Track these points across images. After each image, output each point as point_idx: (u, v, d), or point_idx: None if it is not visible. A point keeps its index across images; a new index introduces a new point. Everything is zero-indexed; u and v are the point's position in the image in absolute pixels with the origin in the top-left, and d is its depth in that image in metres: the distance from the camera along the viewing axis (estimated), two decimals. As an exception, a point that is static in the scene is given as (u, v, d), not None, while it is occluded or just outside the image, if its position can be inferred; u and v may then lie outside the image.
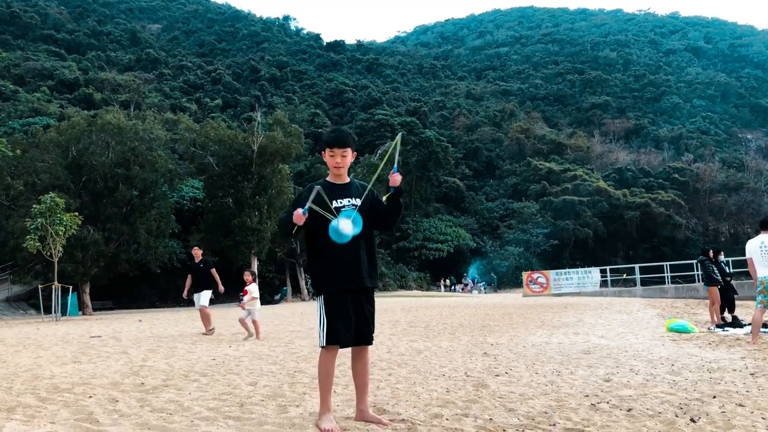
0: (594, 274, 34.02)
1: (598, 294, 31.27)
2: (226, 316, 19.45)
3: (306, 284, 40.66)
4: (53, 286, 22.90)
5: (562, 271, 36.73)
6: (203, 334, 13.01)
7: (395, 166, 4.27)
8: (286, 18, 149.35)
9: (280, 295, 37.96)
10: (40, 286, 25.43)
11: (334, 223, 4.06)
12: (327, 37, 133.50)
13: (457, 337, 11.05)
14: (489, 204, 73.78)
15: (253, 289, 12.64)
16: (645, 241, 63.67)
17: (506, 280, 55.89)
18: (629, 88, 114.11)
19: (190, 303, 37.65)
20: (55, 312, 22.54)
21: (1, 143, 38.03)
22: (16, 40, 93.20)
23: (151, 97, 77.00)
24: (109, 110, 38.12)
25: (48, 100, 67.90)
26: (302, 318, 17.70)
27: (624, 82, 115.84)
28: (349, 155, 4.30)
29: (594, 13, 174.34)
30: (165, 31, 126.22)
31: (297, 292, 40.72)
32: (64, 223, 23.35)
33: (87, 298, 30.42)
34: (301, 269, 39.99)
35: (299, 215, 3.98)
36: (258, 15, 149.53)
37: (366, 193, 4.33)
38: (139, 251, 32.15)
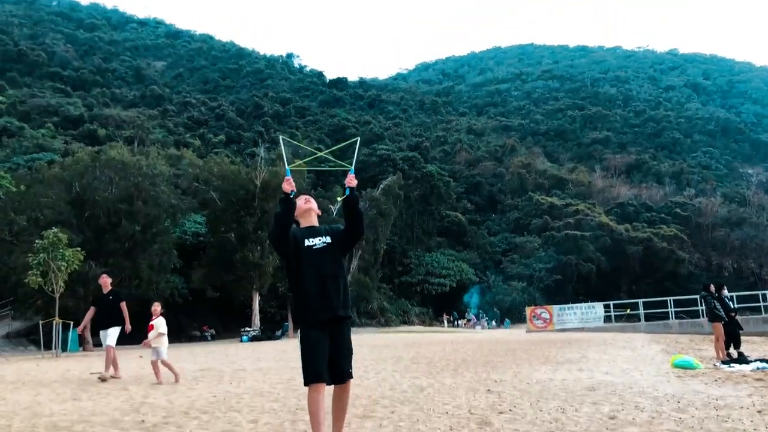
0: (597, 309, 33.80)
1: (601, 329, 31.03)
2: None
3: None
4: (54, 322, 22.80)
5: (566, 306, 36.50)
6: (99, 378, 11.10)
7: (351, 168, 4.66)
8: (290, 55, 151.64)
9: (281, 330, 37.70)
10: (40, 322, 25.30)
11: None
12: (330, 74, 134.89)
13: (461, 374, 10.94)
14: (491, 238, 73.68)
15: (159, 324, 10.98)
16: (648, 275, 63.36)
17: (510, 314, 55.51)
18: (630, 123, 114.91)
19: (192, 339, 37.27)
20: (55, 348, 22.41)
21: (5, 179, 38.33)
22: (23, 77, 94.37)
23: (155, 133, 77.62)
24: (114, 146, 38.50)
25: (53, 136, 68.48)
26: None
27: (624, 118, 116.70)
28: (313, 204, 4.83)
29: (593, 49, 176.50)
30: (170, 68, 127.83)
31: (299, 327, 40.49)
32: (67, 258, 23.35)
33: (87, 334, 30.17)
34: (303, 304, 39.84)
35: (287, 180, 4.44)
36: (262, 52, 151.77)
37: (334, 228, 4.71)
38: (140, 286, 32.08)
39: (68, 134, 71.41)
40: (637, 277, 64.19)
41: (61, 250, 23.26)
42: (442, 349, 17.96)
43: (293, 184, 4.49)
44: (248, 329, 34.55)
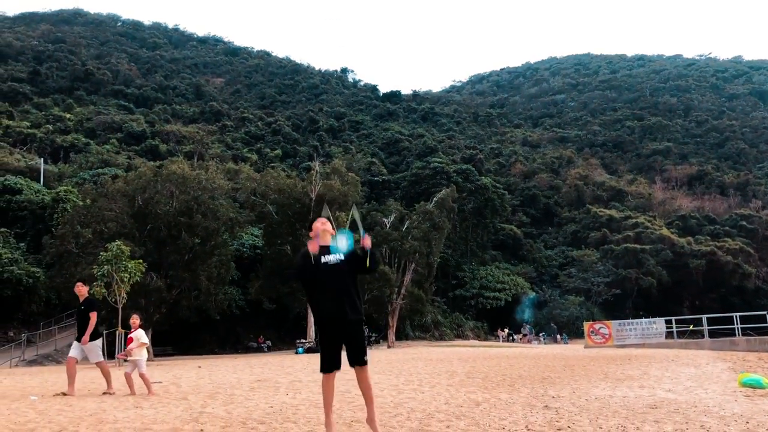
0: (659, 324, 32.73)
1: (663, 345, 30.03)
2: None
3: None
4: (117, 332, 23.51)
5: (626, 321, 35.46)
6: (62, 394, 10.48)
7: (362, 231, 5.54)
8: (344, 70, 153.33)
9: (336, 342, 37.91)
10: (104, 332, 26.13)
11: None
12: (383, 88, 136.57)
13: (517, 389, 10.77)
14: (548, 252, 72.56)
15: (140, 335, 10.79)
16: (712, 290, 61.19)
17: (567, 329, 54.42)
18: (691, 133, 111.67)
19: (249, 350, 37.67)
20: (117, 357, 23.07)
21: (72, 193, 39.98)
22: (89, 95, 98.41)
23: (214, 148, 79.57)
24: (174, 161, 39.58)
25: (117, 151, 71.05)
26: (358, 366, 17.56)
27: (685, 128, 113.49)
28: (329, 226, 5.71)
29: (653, 58, 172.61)
30: (228, 84, 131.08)
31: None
32: (129, 270, 24.09)
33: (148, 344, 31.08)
34: (357, 317, 39.94)
35: (311, 243, 5.46)
36: (317, 68, 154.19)
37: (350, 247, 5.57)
38: (199, 298, 32.78)
39: (131, 149, 73.96)
40: (700, 292, 62.06)
41: (124, 262, 24.02)
42: (498, 364, 17.71)
43: (317, 247, 5.48)
44: (303, 341, 34.86)
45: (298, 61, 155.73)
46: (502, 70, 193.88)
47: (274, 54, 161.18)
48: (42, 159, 59.41)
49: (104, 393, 10.73)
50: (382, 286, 38.72)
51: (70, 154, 68.66)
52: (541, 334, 53.04)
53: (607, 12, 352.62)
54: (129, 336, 10.93)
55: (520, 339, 51.75)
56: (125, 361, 10.94)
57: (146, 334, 29.20)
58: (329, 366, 5.41)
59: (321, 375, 5.48)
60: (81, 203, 34.55)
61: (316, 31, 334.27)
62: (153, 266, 29.46)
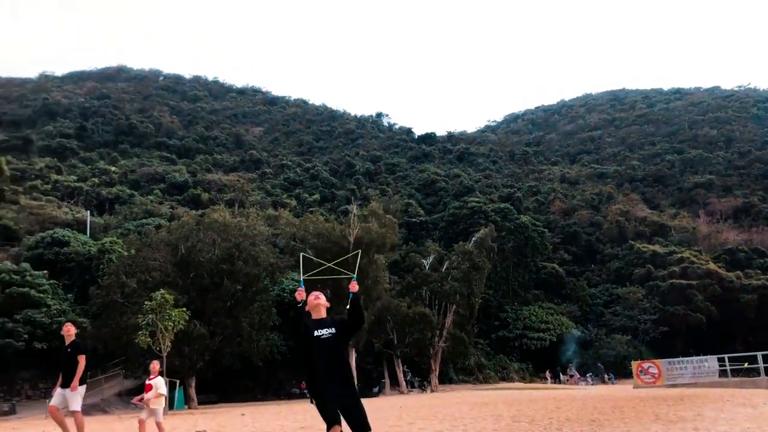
0: (711, 363, 31.68)
1: (717, 384, 28.99)
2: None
3: (405, 377, 40.05)
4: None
5: (675, 360, 34.43)
6: None
7: (354, 276, 5.86)
8: (379, 114, 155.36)
9: (378, 387, 37.56)
10: (87, 380, 26.32)
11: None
12: (418, 130, 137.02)
13: (565, 433, 10.49)
14: (591, 290, 71.21)
15: (159, 384, 10.69)
16: (766, 326, 58.99)
17: (615, 369, 52.95)
18: (734, 165, 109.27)
19: (291, 396, 37.51)
20: (132, 402, 23.22)
21: (117, 244, 40.93)
22: (133, 148, 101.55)
23: (254, 195, 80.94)
24: (216, 209, 40.33)
25: (160, 201, 72.79)
26: (401, 412, 17.36)
27: (728, 160, 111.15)
28: (322, 299, 5.95)
29: (690, 91, 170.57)
30: (267, 133, 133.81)
31: (395, 384, 40.14)
32: (173, 318, 24.43)
33: (192, 392, 31.23)
34: (399, 361, 39.53)
35: (299, 291, 5.90)
36: (352, 113, 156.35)
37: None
38: (242, 344, 32.94)
39: (174, 199, 75.72)
40: (753, 328, 59.84)
41: (168, 311, 24.38)
42: (544, 407, 17.30)
43: (304, 294, 5.91)
44: (346, 386, 34.60)
45: (333, 107, 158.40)
46: (536, 108, 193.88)
47: (310, 102, 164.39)
48: (88, 211, 61.15)
49: None
50: (423, 328, 38.42)
51: (115, 205, 70.56)
52: (588, 375, 51.72)
53: (640, 47, 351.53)
54: (147, 383, 10.74)
55: (567, 380, 50.50)
56: (136, 406, 10.86)
57: (190, 382, 29.46)
58: (332, 419, 5.38)
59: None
60: (126, 253, 35.33)
61: (351, 78, 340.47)
62: (196, 314, 29.79)
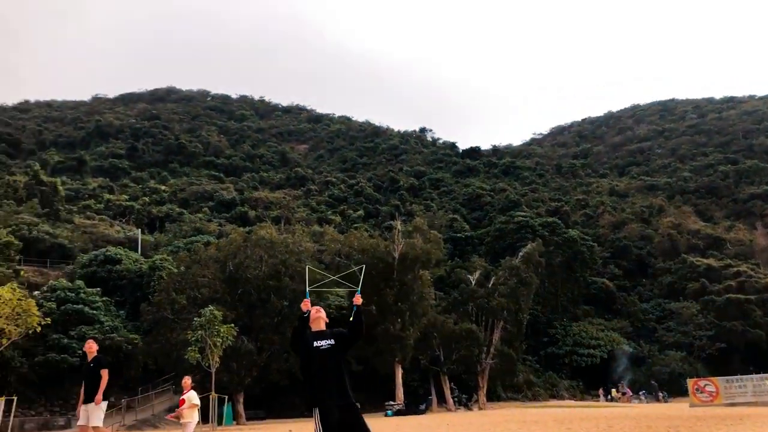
0: (773, 381, 30.40)
1: (780, 404, 27.77)
2: None
3: (452, 394, 39.56)
4: (211, 396, 23.92)
5: (734, 377, 33.14)
6: None
7: (358, 289, 6.20)
8: (423, 129, 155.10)
9: (425, 404, 37.17)
10: (198, 396, 26.64)
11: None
12: (463, 144, 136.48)
13: (620, 454, 10.11)
14: (643, 305, 69.40)
15: (192, 397, 10.80)
16: (831, 342, 56.48)
17: (669, 387, 51.30)
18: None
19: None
20: (212, 421, 23.40)
21: (167, 261, 41.70)
22: (182, 167, 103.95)
23: (299, 212, 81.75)
24: (263, 226, 40.75)
25: (208, 219, 74.11)
26: (448, 430, 17.08)
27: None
28: (323, 313, 6.16)
29: (743, 99, 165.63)
30: (312, 150, 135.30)
31: (442, 401, 39.68)
32: (221, 334, 24.67)
33: (241, 408, 31.45)
34: (446, 378, 39.08)
35: (305, 302, 6.11)
36: (396, 129, 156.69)
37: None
38: (289, 360, 33.05)
39: (222, 217, 77.00)
40: (817, 345, 57.42)
41: (216, 327, 24.65)
42: (596, 426, 16.80)
43: (309, 305, 6.12)
44: (392, 403, 34.39)
45: (377, 123, 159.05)
46: (583, 120, 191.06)
47: (354, 118, 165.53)
48: (139, 230, 62.59)
49: None
50: (470, 345, 37.96)
51: (165, 223, 72.11)
52: (641, 392, 50.24)
53: (690, 56, 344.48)
54: (181, 398, 10.80)
55: (620, 398, 49.06)
56: (174, 420, 10.92)
57: (239, 397, 29.63)
58: None
59: None
60: (176, 270, 35.94)
61: (395, 93, 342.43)
62: (244, 330, 30.05)
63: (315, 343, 5.82)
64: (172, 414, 10.91)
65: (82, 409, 10.13)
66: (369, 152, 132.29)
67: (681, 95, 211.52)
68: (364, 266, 7.66)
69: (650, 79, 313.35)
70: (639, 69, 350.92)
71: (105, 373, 10.20)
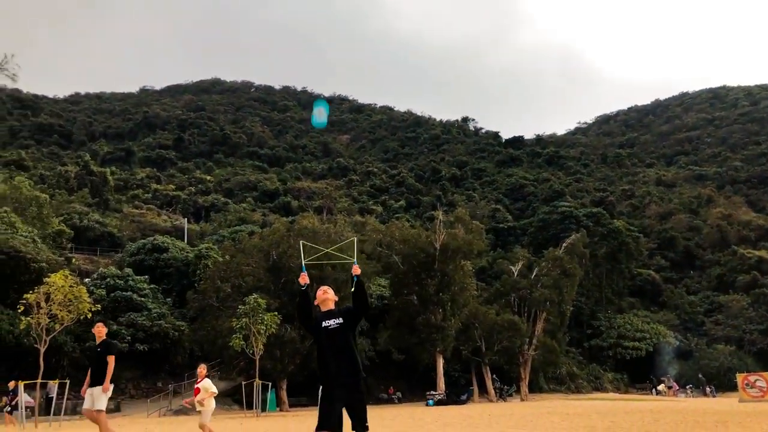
0: (827, 377, 29.47)
1: (834, 401, 26.91)
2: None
3: (493, 385, 39.42)
4: (255, 383, 24.36)
5: (786, 373, 32.22)
6: None
7: (354, 260, 6.21)
8: (465, 119, 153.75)
9: (466, 394, 37.13)
10: (243, 383, 27.18)
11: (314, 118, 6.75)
12: (505, 134, 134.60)
13: (665, 448, 9.97)
14: (690, 297, 67.91)
15: (208, 386, 10.67)
16: None
17: (717, 382, 50.15)
18: None
19: (379, 401, 37.57)
20: (256, 407, 23.84)
21: (213, 250, 42.44)
22: (227, 158, 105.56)
23: (341, 202, 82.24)
24: (305, 216, 41.19)
25: (252, 209, 75.15)
26: (491, 420, 17.06)
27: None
28: (330, 293, 6.18)
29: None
30: (353, 140, 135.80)
31: (484, 392, 39.58)
32: (265, 322, 25.06)
33: (284, 395, 31.92)
34: (487, 368, 38.95)
35: (302, 275, 6.06)
36: (438, 119, 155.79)
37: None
38: (331, 349, 33.32)
39: (265, 207, 78.00)
40: None
41: (260, 315, 25.04)
42: (641, 419, 16.56)
43: (307, 278, 6.08)
44: (434, 393, 34.44)
45: (419, 113, 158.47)
46: (629, 108, 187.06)
47: (396, 108, 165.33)
48: (185, 219, 63.89)
49: None
50: (512, 336, 37.73)
51: (210, 213, 73.42)
52: (687, 387, 49.24)
53: (742, 41, 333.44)
54: (196, 387, 10.81)
55: (666, 392, 48.12)
56: (191, 406, 10.87)
57: (282, 384, 30.05)
58: (326, 423, 5.63)
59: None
60: (221, 259, 36.57)
61: (437, 82, 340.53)
62: (287, 318, 30.42)
63: (324, 323, 5.92)
64: (188, 400, 11.04)
65: (88, 393, 10.10)
66: (411, 142, 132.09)
67: (732, 82, 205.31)
68: (356, 238, 7.71)
69: (700, 66, 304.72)
70: (688, 55, 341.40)
71: (111, 360, 10.09)
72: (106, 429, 10.01)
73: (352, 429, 5.71)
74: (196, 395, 10.84)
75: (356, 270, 6.10)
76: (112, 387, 10.14)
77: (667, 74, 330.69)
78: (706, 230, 79.76)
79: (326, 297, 6.14)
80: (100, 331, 10.41)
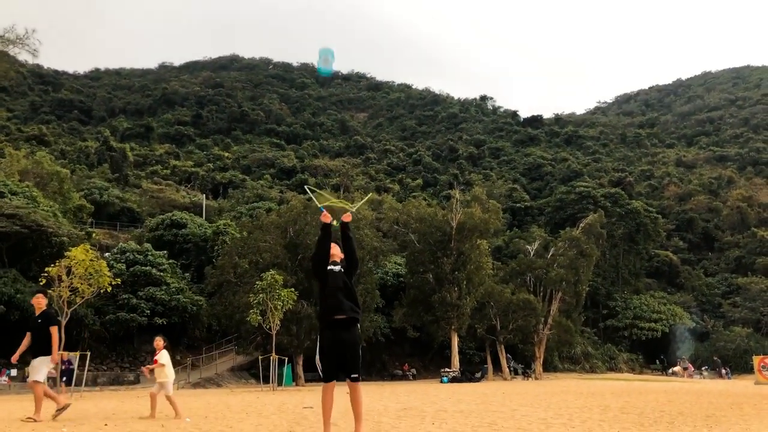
0: None
1: None
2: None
3: (508, 363, 39.64)
4: (271, 358, 24.70)
5: (803, 356, 32.06)
6: (27, 419, 9.69)
7: (355, 208, 6.88)
8: (483, 98, 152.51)
9: (481, 372, 37.39)
10: (259, 357, 27.57)
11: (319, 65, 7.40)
12: (524, 113, 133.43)
13: (677, 427, 10.05)
14: (708, 279, 67.50)
15: (164, 358, 10.71)
16: None
17: (733, 364, 50.00)
18: None
19: (394, 377, 37.89)
20: (272, 382, 24.20)
21: (230, 227, 42.82)
22: (245, 134, 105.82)
23: (358, 180, 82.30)
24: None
25: (270, 186, 75.49)
26: (504, 398, 17.22)
27: None
28: (337, 250, 6.81)
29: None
30: (371, 118, 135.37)
31: (498, 370, 39.82)
32: (282, 298, 25.33)
33: (300, 370, 32.34)
34: (502, 347, 39.14)
35: (324, 214, 6.80)
36: (456, 97, 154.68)
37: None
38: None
39: (283, 184, 78.32)
40: None
41: (277, 291, 25.31)
42: (655, 399, 16.64)
43: (329, 216, 6.75)
44: (448, 370, 34.72)
45: (437, 91, 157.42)
46: (650, 88, 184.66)
47: (414, 86, 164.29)
48: (204, 195, 64.35)
49: (27, 418, 9.72)
50: (527, 315, 37.80)
51: (228, 189, 73.87)
52: (703, 368, 49.16)
53: (766, 21, 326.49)
54: (154, 359, 10.96)
55: (681, 373, 48.10)
56: (150, 374, 11.06)
57: (298, 360, 30.38)
58: (330, 376, 6.22)
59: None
60: (238, 235, 36.88)
61: (455, 61, 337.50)
62: (303, 294, 30.70)
63: (329, 266, 6.63)
64: (146, 366, 11.27)
65: (32, 364, 9.83)
66: (428, 120, 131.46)
67: (756, 62, 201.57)
68: (372, 194, 8.19)
69: (723, 45, 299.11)
70: (711, 34, 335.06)
71: (54, 330, 9.80)
72: (40, 401, 9.75)
73: (345, 375, 6.18)
74: (154, 364, 10.99)
75: (348, 217, 6.86)
76: (49, 358, 9.83)
77: (690, 53, 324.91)
78: (725, 212, 78.95)
79: (333, 252, 6.79)
80: (40, 302, 10.08)
